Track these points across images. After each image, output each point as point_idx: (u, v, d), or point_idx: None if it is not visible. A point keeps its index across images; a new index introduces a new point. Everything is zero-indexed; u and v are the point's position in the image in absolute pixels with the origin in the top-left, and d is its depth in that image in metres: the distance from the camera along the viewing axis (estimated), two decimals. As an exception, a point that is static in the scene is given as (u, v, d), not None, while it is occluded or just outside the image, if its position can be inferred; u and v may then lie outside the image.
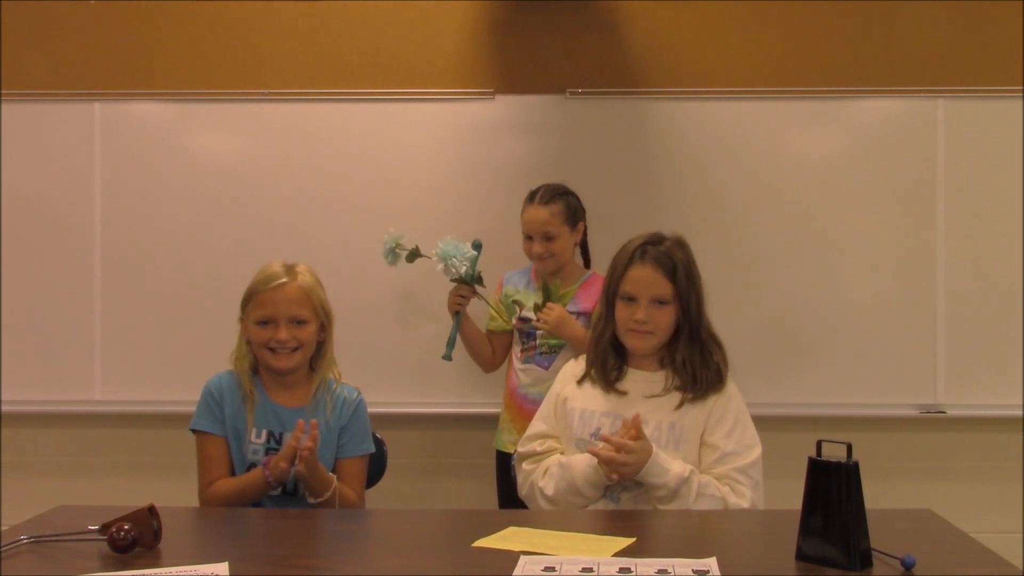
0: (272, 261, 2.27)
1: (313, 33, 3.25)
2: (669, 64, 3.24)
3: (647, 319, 2.08)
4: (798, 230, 3.21)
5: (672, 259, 2.10)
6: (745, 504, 2.01)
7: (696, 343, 2.10)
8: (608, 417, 2.10)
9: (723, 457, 2.03)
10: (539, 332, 2.81)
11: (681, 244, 2.15)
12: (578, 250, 2.97)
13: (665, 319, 2.09)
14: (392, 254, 2.87)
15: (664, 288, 2.08)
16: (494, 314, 2.95)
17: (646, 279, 2.09)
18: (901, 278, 3.21)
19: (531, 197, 2.89)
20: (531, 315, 2.82)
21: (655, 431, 2.05)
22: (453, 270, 2.79)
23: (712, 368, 2.09)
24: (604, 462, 1.96)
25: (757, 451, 2.06)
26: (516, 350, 2.90)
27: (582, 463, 2.06)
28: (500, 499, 2.95)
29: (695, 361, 2.09)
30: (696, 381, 2.08)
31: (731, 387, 2.12)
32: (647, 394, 2.10)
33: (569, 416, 2.17)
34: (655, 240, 2.14)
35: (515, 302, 2.88)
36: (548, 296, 2.79)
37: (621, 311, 2.11)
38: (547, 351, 2.82)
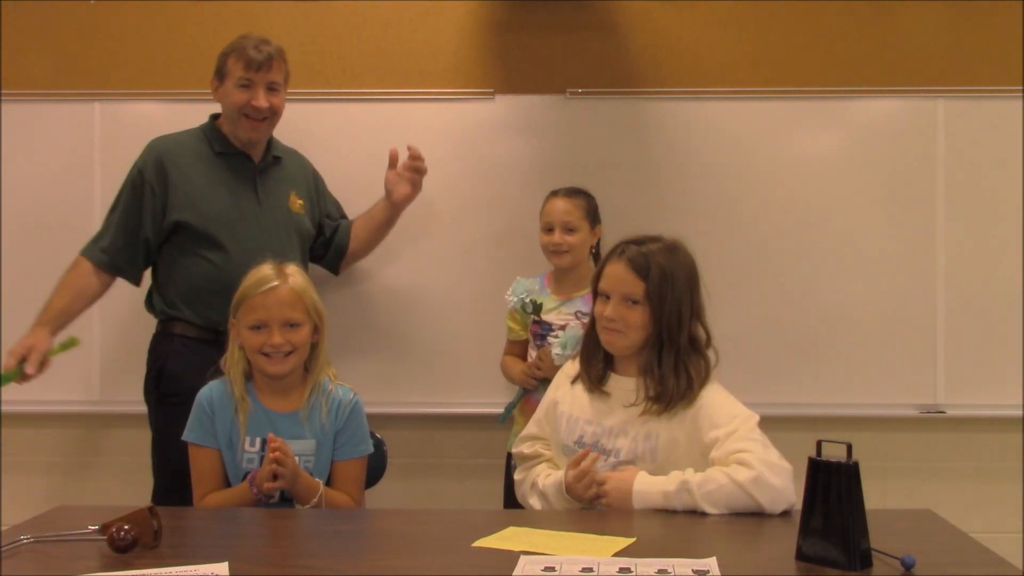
0: (262, 264, 2.26)
1: (313, 33, 3.25)
2: (669, 64, 3.24)
3: (615, 317, 2.07)
4: (798, 230, 3.21)
5: (648, 259, 2.06)
6: (754, 466, 1.87)
7: (671, 351, 2.05)
8: (591, 425, 2.11)
9: (721, 441, 1.97)
10: (554, 333, 2.81)
11: (671, 248, 2.10)
12: (591, 258, 2.97)
13: (634, 318, 2.06)
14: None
15: (634, 287, 2.05)
16: (511, 324, 2.96)
17: (617, 276, 2.08)
18: (901, 278, 3.21)
19: (555, 192, 2.92)
20: (511, 301, 2.86)
21: (632, 441, 2.04)
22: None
23: (682, 378, 2.03)
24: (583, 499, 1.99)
25: (753, 419, 1.99)
26: (532, 353, 2.90)
27: (554, 490, 2.09)
28: (506, 501, 2.95)
29: (665, 369, 2.04)
30: (664, 390, 2.03)
31: (704, 392, 2.05)
32: (626, 402, 2.08)
33: (557, 421, 2.17)
34: (640, 240, 2.11)
35: (531, 301, 2.88)
36: (535, 311, 2.82)
37: (597, 307, 2.12)
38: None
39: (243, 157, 2.76)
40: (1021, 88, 3.17)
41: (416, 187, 2.90)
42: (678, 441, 2.02)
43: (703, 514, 1.89)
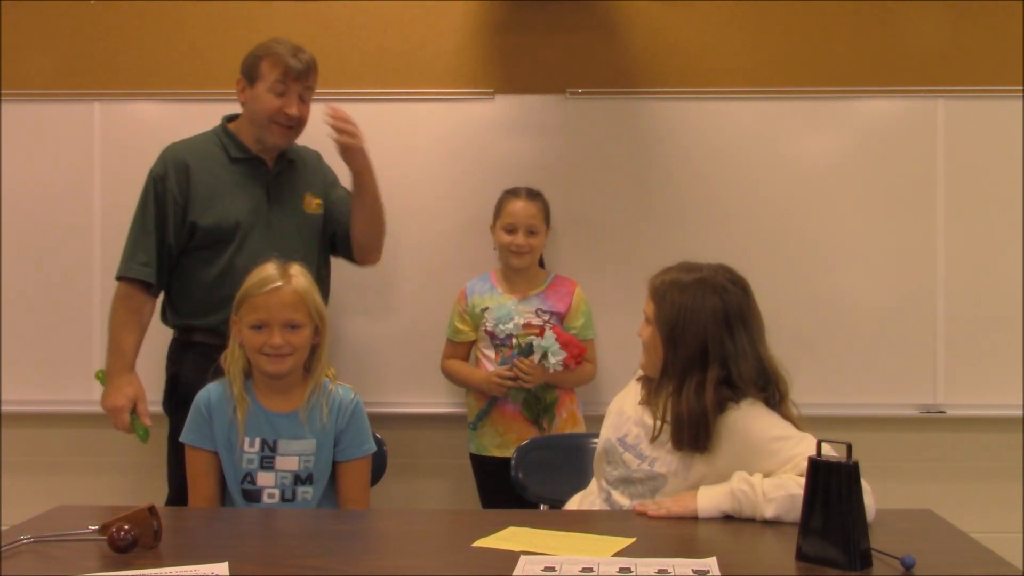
0: (266, 263, 2.26)
1: (313, 33, 3.25)
2: (669, 64, 3.24)
3: (640, 333, 2.10)
4: (798, 230, 3.21)
5: (661, 286, 2.04)
6: None
7: (679, 390, 1.97)
8: (637, 427, 2.07)
9: (784, 464, 1.88)
10: (519, 360, 2.83)
11: (687, 285, 2.01)
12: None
13: (646, 335, 2.06)
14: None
15: (648, 306, 2.07)
16: (460, 327, 2.97)
17: (646, 299, 2.09)
18: (901, 278, 3.21)
19: (515, 193, 2.96)
20: (508, 329, 2.87)
21: (669, 454, 1.99)
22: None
23: (688, 431, 1.94)
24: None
25: (809, 439, 1.90)
26: (488, 354, 2.92)
27: None
28: (483, 504, 2.96)
29: (669, 406, 1.98)
30: (678, 428, 1.96)
31: (741, 422, 1.95)
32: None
33: (609, 412, 2.17)
34: (671, 267, 2.08)
35: (484, 310, 2.92)
36: (525, 352, 2.82)
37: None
38: (522, 349, 2.84)
39: (258, 162, 2.72)
40: (1021, 88, 3.17)
41: (349, 148, 2.65)
42: (718, 468, 1.94)
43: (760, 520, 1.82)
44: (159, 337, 2.76)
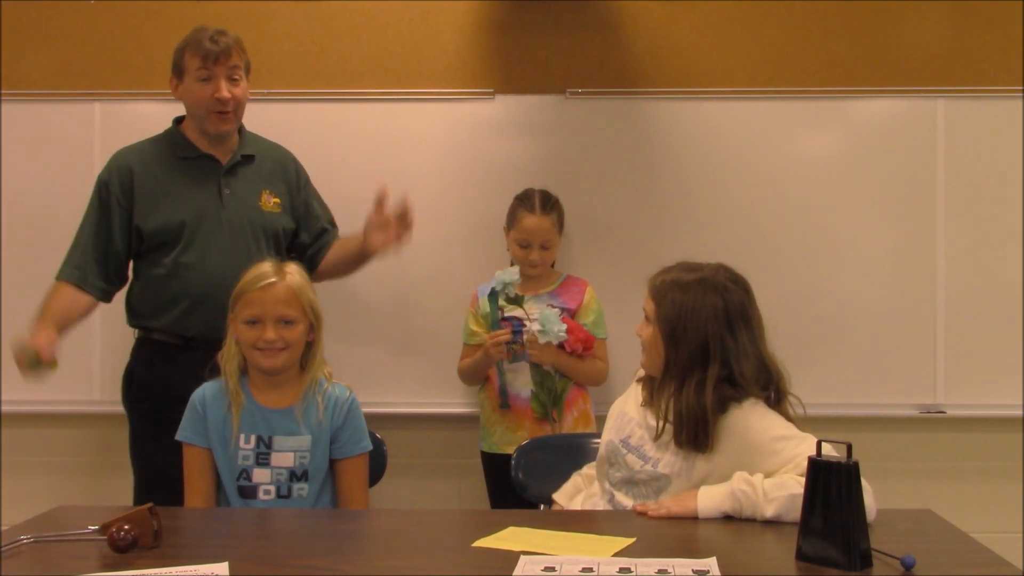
0: (262, 261, 2.27)
1: (313, 33, 3.25)
2: (669, 64, 3.24)
3: (639, 332, 2.10)
4: (798, 230, 3.21)
5: (661, 285, 2.04)
6: None
7: (680, 388, 1.98)
8: (640, 428, 2.07)
9: (785, 465, 1.89)
10: (525, 329, 2.83)
11: (688, 284, 2.01)
12: None
13: (646, 335, 2.07)
14: (501, 293, 2.84)
15: (648, 304, 2.07)
16: (475, 329, 2.96)
17: (646, 297, 2.10)
18: (901, 278, 3.21)
19: (530, 205, 2.92)
20: (515, 314, 2.86)
21: (674, 455, 1.99)
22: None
23: (687, 430, 1.95)
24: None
25: (811, 439, 1.89)
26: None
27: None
28: (492, 503, 2.96)
29: (671, 406, 1.99)
30: (673, 424, 1.98)
31: (743, 420, 1.95)
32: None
33: (610, 415, 2.17)
34: (671, 267, 2.09)
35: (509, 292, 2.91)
36: (517, 303, 2.84)
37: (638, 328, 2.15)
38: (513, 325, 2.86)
39: (208, 159, 2.68)
40: (1021, 88, 3.18)
41: (397, 239, 2.68)
42: (720, 467, 1.94)
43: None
44: (125, 338, 2.77)
